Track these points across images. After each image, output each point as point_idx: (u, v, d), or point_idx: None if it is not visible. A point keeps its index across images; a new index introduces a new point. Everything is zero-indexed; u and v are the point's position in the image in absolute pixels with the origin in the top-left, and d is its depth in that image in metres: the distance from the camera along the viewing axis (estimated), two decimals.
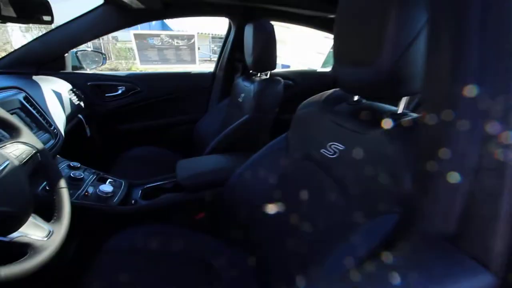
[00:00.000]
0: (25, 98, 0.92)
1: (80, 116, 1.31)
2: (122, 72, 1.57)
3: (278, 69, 1.82)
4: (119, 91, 1.54)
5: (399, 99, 0.60)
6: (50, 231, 0.57)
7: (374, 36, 0.51)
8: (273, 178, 0.85)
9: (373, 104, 0.69)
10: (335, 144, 0.66)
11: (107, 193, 0.89)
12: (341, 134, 0.65)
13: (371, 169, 0.54)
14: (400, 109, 0.59)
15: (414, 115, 0.57)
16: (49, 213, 0.62)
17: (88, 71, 1.53)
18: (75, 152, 1.54)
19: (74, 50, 1.50)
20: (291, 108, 1.66)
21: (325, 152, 0.69)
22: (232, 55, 1.63)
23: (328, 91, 0.81)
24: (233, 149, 1.17)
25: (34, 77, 1.21)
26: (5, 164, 0.52)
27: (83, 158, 1.58)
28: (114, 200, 0.91)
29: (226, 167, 1.00)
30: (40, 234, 0.55)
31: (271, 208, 0.82)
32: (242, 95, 1.35)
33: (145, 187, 1.04)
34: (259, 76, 1.44)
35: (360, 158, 0.58)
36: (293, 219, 0.73)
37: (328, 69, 2.03)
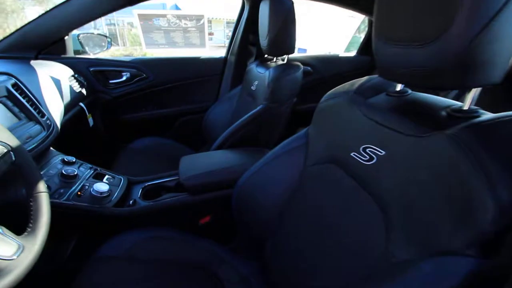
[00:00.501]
0: (14, 85, 0.83)
1: (81, 104, 1.22)
2: (126, 57, 1.46)
3: (295, 54, 1.65)
4: (123, 78, 1.43)
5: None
6: (20, 247, 0.48)
7: (441, 1, 0.36)
8: (289, 183, 0.72)
9: (423, 96, 0.54)
10: (372, 148, 0.52)
11: (102, 192, 0.80)
12: (381, 135, 0.51)
13: (428, 187, 0.40)
14: (467, 104, 0.43)
15: (489, 114, 0.42)
16: (23, 224, 0.52)
17: (92, 56, 1.43)
18: (75, 144, 1.46)
19: (77, 33, 1.40)
20: (310, 98, 1.50)
21: (357, 157, 0.55)
22: (245, 38, 1.48)
23: (361, 78, 0.66)
24: (245, 144, 1.04)
25: (33, 62, 1.12)
26: None
27: (84, 150, 1.50)
28: (111, 200, 0.82)
29: (235, 166, 0.88)
30: (6, 252, 0.46)
31: (287, 220, 0.70)
32: (256, 82, 1.21)
33: (146, 185, 0.94)
34: (275, 61, 1.29)
35: (411, 170, 0.44)
36: (314, 236, 0.61)
37: (352, 53, 1.83)
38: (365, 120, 0.55)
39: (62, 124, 1.04)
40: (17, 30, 1.15)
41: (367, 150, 0.53)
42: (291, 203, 0.71)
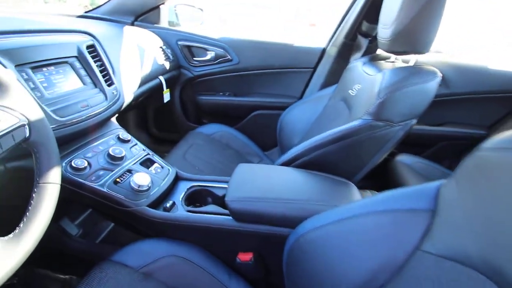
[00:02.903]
0: (90, 46, 0.77)
1: (160, 78, 1.17)
2: (216, 35, 1.34)
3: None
4: (208, 56, 1.32)
5: None
6: None
7: None
8: (381, 264, 0.43)
9: None
10: None
11: (140, 186, 0.68)
12: None
13: None
14: None
15: None
16: (16, 220, 0.41)
17: (182, 29, 1.36)
18: (142, 118, 1.46)
19: (174, 4, 1.35)
20: (425, 117, 1.07)
21: None
22: (356, 25, 1.15)
23: None
24: (322, 168, 0.77)
25: (126, 27, 1.10)
26: None
27: (151, 125, 1.50)
28: (148, 196, 0.69)
29: (300, 201, 0.63)
30: None
31: None
32: (358, 86, 0.89)
33: (194, 185, 0.79)
34: (393, 61, 0.93)
35: None
36: None
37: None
38: None
39: (135, 96, 0.98)
40: None
41: None
42: None
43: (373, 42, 1.14)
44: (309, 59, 1.31)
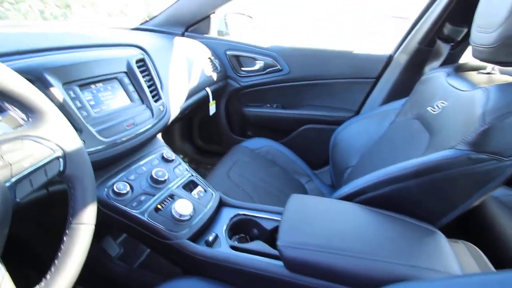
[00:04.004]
0: (140, 60, 0.74)
1: (207, 89, 1.12)
2: (266, 45, 1.25)
3: None
4: (256, 66, 1.24)
5: None
6: None
7: None
8: None
9: None
10: None
11: (181, 215, 0.61)
12: None
13: None
14: None
15: None
16: (45, 264, 0.36)
17: (231, 38, 1.31)
18: (186, 131, 1.43)
19: (224, 13, 1.31)
20: None
21: None
22: (435, 28, 0.95)
23: None
24: (393, 206, 0.61)
25: (176, 38, 1.08)
26: None
27: (197, 137, 1.46)
28: (190, 227, 0.62)
29: (376, 257, 0.49)
30: None
31: None
32: (442, 103, 0.72)
33: (239, 213, 0.70)
34: (489, 73, 0.74)
35: None
36: None
37: None
38: None
39: (181, 110, 0.94)
40: (173, 4, 1.14)
41: None
42: None
43: (456, 48, 0.94)
44: (371, 68, 1.14)
